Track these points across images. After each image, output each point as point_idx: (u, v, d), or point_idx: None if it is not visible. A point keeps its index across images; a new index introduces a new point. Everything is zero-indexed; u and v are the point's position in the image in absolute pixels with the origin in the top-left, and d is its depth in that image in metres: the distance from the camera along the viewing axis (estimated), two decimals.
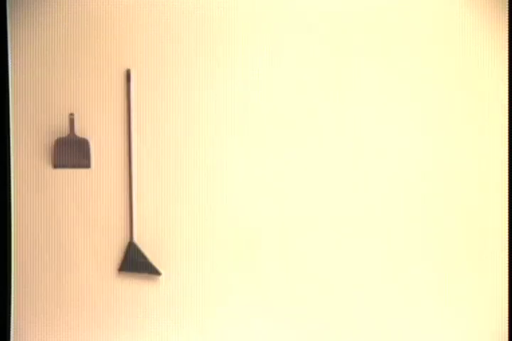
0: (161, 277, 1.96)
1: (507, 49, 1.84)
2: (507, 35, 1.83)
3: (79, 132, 1.94)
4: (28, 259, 1.99)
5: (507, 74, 1.84)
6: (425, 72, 1.86)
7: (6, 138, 1.96)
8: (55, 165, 1.95)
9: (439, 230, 1.89)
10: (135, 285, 1.98)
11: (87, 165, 1.94)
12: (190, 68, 1.91)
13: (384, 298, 1.92)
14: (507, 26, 1.83)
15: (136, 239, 1.95)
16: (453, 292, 1.91)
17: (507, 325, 1.88)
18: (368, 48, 1.87)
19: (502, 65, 1.84)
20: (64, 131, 1.95)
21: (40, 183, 1.96)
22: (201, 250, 1.94)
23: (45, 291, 2.00)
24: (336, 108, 1.89)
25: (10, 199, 1.97)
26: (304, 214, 1.91)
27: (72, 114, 1.94)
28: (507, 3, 1.83)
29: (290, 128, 1.90)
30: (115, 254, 1.97)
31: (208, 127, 1.92)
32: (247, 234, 1.93)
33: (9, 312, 2.00)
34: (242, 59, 1.90)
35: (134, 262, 1.95)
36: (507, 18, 1.83)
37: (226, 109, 1.91)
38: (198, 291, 1.96)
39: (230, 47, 1.89)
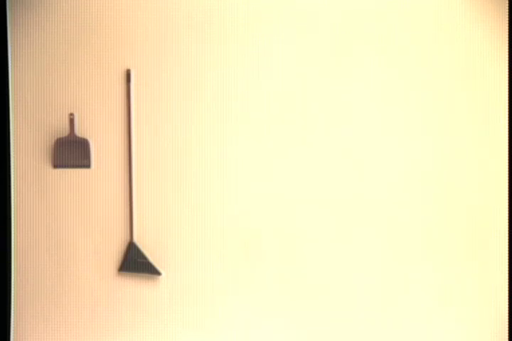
0: (161, 277, 1.96)
1: (507, 48, 1.84)
2: (507, 34, 1.83)
3: (79, 132, 1.95)
4: (28, 259, 1.99)
5: (507, 74, 1.84)
6: (426, 71, 1.86)
7: (6, 138, 1.96)
8: (55, 165, 1.95)
9: (440, 230, 1.89)
10: (135, 285, 1.98)
11: (87, 165, 1.94)
12: (190, 68, 1.91)
13: (384, 298, 1.92)
14: (507, 25, 1.83)
15: (136, 239, 1.95)
16: (453, 292, 1.91)
17: (507, 325, 1.88)
18: (369, 47, 1.87)
19: (502, 64, 1.84)
20: (64, 131, 1.95)
21: (40, 183, 1.96)
22: (201, 250, 1.94)
23: (45, 291, 2.00)
24: (337, 107, 1.89)
25: (10, 199, 1.97)
26: (304, 215, 1.91)
27: (72, 114, 1.94)
28: (507, 2, 1.83)
29: (290, 128, 1.90)
30: (115, 254, 1.97)
31: (207, 127, 1.92)
32: (247, 234, 1.93)
33: (9, 313, 2.00)
34: (242, 58, 1.90)
35: (134, 262, 1.95)
36: (507, 17, 1.83)
37: (226, 109, 1.91)
38: (198, 291, 1.96)
39: (230, 46, 1.89)
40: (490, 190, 1.87)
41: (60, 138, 1.94)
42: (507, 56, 1.84)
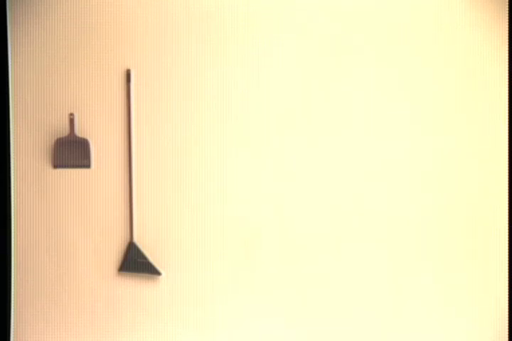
0: (161, 277, 1.96)
1: (507, 48, 1.84)
2: (507, 33, 1.83)
3: (79, 132, 1.94)
4: (28, 259, 1.99)
5: (507, 73, 1.84)
6: (426, 71, 1.86)
7: (6, 138, 1.96)
8: (55, 165, 1.95)
9: (440, 230, 1.89)
10: (135, 285, 1.98)
11: (87, 165, 1.94)
12: (191, 68, 1.91)
13: (384, 298, 1.92)
14: (507, 25, 1.83)
15: (136, 239, 1.95)
16: (453, 292, 1.91)
17: (507, 325, 1.88)
18: (369, 47, 1.87)
19: (502, 63, 1.84)
20: (64, 131, 1.95)
21: (40, 183, 1.96)
22: (201, 250, 1.94)
23: (45, 291, 2.00)
24: (338, 107, 1.89)
25: (10, 199, 1.97)
26: (304, 214, 1.91)
27: (72, 114, 1.94)
28: (507, 2, 1.83)
29: (290, 128, 1.90)
30: (115, 254, 1.97)
31: (207, 127, 1.92)
32: (247, 233, 1.93)
33: (9, 313, 2.00)
34: (242, 58, 1.90)
35: (134, 262, 1.95)
36: (507, 16, 1.83)
37: (226, 109, 1.91)
38: (198, 291, 1.96)
39: (230, 46, 1.89)
40: (490, 189, 1.87)
41: (60, 138, 1.94)
42: (507, 56, 1.84)
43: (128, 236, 1.96)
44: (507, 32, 1.83)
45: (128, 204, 1.95)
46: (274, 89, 1.90)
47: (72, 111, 1.94)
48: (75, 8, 1.92)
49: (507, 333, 1.88)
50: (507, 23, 1.83)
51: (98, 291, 1.99)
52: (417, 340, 1.92)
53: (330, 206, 1.91)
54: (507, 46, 1.84)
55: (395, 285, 1.92)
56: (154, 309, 1.98)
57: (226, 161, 1.92)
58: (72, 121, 1.93)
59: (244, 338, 1.96)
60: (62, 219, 1.97)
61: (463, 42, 1.85)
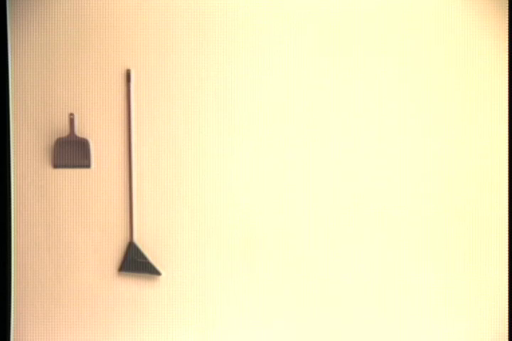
0: (161, 277, 1.96)
1: (507, 48, 1.84)
2: (507, 34, 1.83)
3: (79, 132, 1.95)
4: (28, 259, 1.99)
5: (507, 74, 1.84)
6: (426, 71, 1.86)
7: (6, 138, 1.96)
8: (55, 165, 1.95)
9: (440, 230, 1.89)
10: (135, 285, 1.98)
11: (87, 165, 1.95)
12: (191, 68, 1.91)
13: (384, 298, 1.92)
14: (507, 25, 1.83)
15: (136, 239, 1.95)
16: (453, 292, 1.91)
17: (507, 325, 1.88)
18: (368, 47, 1.87)
19: (502, 63, 1.84)
20: (64, 131, 1.95)
21: (40, 183, 1.96)
22: (201, 250, 1.94)
23: (45, 291, 2.00)
24: (336, 107, 1.89)
25: (10, 199, 1.97)
26: (305, 214, 1.91)
27: (72, 114, 1.94)
28: (507, 3, 1.83)
29: (290, 127, 1.90)
30: (115, 254, 1.97)
31: (208, 127, 1.92)
32: (247, 233, 1.93)
33: (9, 313, 2.00)
34: (242, 59, 1.90)
35: (134, 262, 1.95)
36: (507, 17, 1.83)
37: (226, 109, 1.91)
38: (198, 291, 1.96)
39: (230, 47, 1.89)
40: (490, 189, 1.87)
41: (60, 138, 1.94)
42: (507, 55, 1.84)
43: (128, 236, 1.96)
44: (507, 31, 1.83)
45: (128, 204, 1.95)
46: (275, 89, 1.90)
47: (72, 111, 1.94)
48: (75, 8, 1.92)
49: (507, 333, 1.88)
50: (507, 23, 1.83)
51: (98, 291, 1.99)
52: (416, 340, 1.92)
53: (330, 206, 1.91)
54: (507, 45, 1.84)
55: (395, 285, 1.92)
56: (154, 309, 1.98)
57: (226, 161, 1.92)
58: (72, 121, 1.93)
59: (244, 338, 1.96)
60: (62, 219, 1.97)
61: (463, 42, 1.85)
